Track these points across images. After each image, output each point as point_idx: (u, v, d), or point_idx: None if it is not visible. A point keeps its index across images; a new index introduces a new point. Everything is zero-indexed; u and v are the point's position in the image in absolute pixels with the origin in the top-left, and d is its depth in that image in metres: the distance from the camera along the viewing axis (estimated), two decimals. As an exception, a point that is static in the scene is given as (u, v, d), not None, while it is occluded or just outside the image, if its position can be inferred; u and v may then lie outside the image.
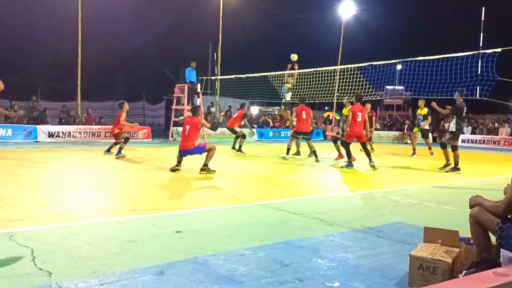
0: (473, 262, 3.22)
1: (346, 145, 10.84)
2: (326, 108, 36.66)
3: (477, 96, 14.08)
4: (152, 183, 7.76)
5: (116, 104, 28.48)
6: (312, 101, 18.22)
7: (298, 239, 4.40)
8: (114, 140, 12.41)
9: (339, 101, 21.07)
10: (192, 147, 9.20)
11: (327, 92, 18.45)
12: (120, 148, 11.66)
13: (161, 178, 8.47)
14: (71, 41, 21.31)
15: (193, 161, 9.94)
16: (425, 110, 14.83)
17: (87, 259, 3.61)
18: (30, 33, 27.71)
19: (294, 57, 19.06)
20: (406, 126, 27.82)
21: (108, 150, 12.06)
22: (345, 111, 13.82)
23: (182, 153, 9.26)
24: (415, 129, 15.58)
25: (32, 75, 28.87)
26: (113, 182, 7.81)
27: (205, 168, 9.07)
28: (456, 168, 10.38)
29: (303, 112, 12.59)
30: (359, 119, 10.80)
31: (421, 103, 15.04)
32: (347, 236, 4.62)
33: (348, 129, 10.87)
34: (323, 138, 25.62)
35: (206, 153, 9.22)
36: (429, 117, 14.98)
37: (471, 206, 3.35)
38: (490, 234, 3.22)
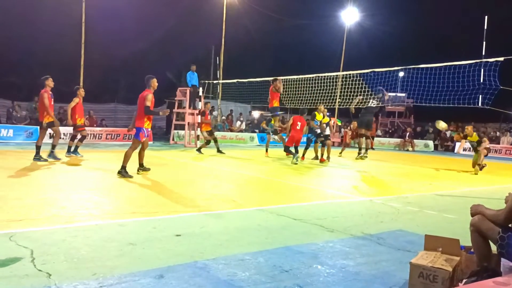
0: (474, 271, 3.21)
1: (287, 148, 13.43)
2: (328, 114, 36.65)
3: (479, 104, 14.07)
4: (152, 186, 7.76)
5: (118, 107, 28.58)
6: (314, 107, 18.21)
7: (298, 245, 4.39)
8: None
9: (341, 107, 21.06)
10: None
11: (329, 98, 18.45)
12: (76, 147, 12.11)
13: (162, 181, 8.46)
14: (74, 43, 21.38)
15: (194, 165, 9.92)
16: (476, 136, 13.56)
17: (86, 261, 3.60)
18: (34, 35, 27.79)
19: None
20: (407, 134, 27.83)
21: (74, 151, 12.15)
22: (318, 116, 14.41)
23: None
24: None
25: (35, 76, 28.92)
26: (114, 184, 7.80)
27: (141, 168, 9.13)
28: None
29: (299, 123, 13.44)
30: (298, 127, 13.29)
31: (469, 130, 13.40)
32: (348, 242, 4.61)
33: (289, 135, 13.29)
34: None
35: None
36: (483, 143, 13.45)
37: (472, 215, 3.34)
38: (491, 243, 3.21)
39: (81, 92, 12.10)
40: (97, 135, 18.69)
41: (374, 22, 33.05)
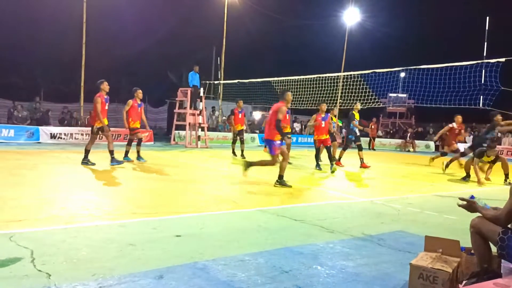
0: (474, 273, 3.21)
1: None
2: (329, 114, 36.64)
3: (481, 105, 14.06)
4: (153, 187, 7.75)
5: (119, 107, 28.55)
6: (316, 107, 18.23)
7: (298, 246, 4.39)
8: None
9: (342, 107, 21.07)
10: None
11: (330, 98, 18.46)
12: (138, 152, 11.58)
13: (162, 181, 8.46)
14: (75, 43, 21.41)
15: (194, 165, 9.92)
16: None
17: (86, 261, 3.60)
18: (35, 35, 27.87)
19: None
20: (408, 134, 27.82)
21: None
22: (357, 116, 13.65)
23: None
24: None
25: (36, 77, 29.01)
26: (114, 185, 7.80)
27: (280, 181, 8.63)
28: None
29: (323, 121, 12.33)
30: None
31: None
32: (348, 243, 4.60)
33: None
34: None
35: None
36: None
37: (469, 210, 3.29)
38: (491, 245, 3.20)
39: (105, 86, 10.87)
40: (98, 135, 18.67)
41: (376, 23, 33.10)
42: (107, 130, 10.61)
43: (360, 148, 13.49)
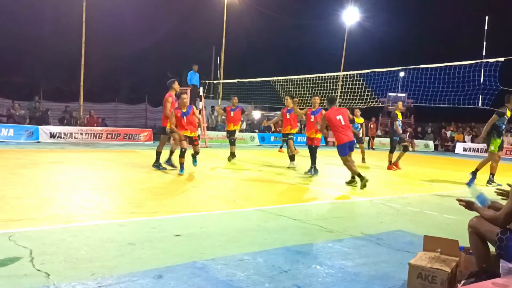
0: (472, 272, 3.21)
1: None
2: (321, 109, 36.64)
3: (480, 105, 14.06)
4: (152, 186, 7.76)
5: (119, 106, 28.56)
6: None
7: (297, 245, 4.39)
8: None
9: (341, 107, 21.07)
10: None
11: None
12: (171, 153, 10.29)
13: (162, 181, 8.47)
14: (75, 42, 21.41)
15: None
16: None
17: (85, 261, 3.60)
18: (35, 34, 27.86)
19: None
20: (408, 134, 27.82)
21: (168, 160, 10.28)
22: (400, 116, 13.21)
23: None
24: None
25: (36, 76, 28.99)
26: (114, 184, 7.81)
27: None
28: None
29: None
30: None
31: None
32: (347, 243, 4.61)
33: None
34: (325, 144, 25.62)
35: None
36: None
37: (467, 207, 3.30)
38: (490, 245, 3.21)
39: (176, 86, 10.29)
40: (98, 135, 18.69)
41: (375, 23, 33.06)
42: (176, 131, 9.61)
43: (406, 149, 13.10)
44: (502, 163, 18.65)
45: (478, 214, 3.26)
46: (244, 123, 26.82)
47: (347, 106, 17.70)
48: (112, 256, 3.77)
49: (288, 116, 11.80)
